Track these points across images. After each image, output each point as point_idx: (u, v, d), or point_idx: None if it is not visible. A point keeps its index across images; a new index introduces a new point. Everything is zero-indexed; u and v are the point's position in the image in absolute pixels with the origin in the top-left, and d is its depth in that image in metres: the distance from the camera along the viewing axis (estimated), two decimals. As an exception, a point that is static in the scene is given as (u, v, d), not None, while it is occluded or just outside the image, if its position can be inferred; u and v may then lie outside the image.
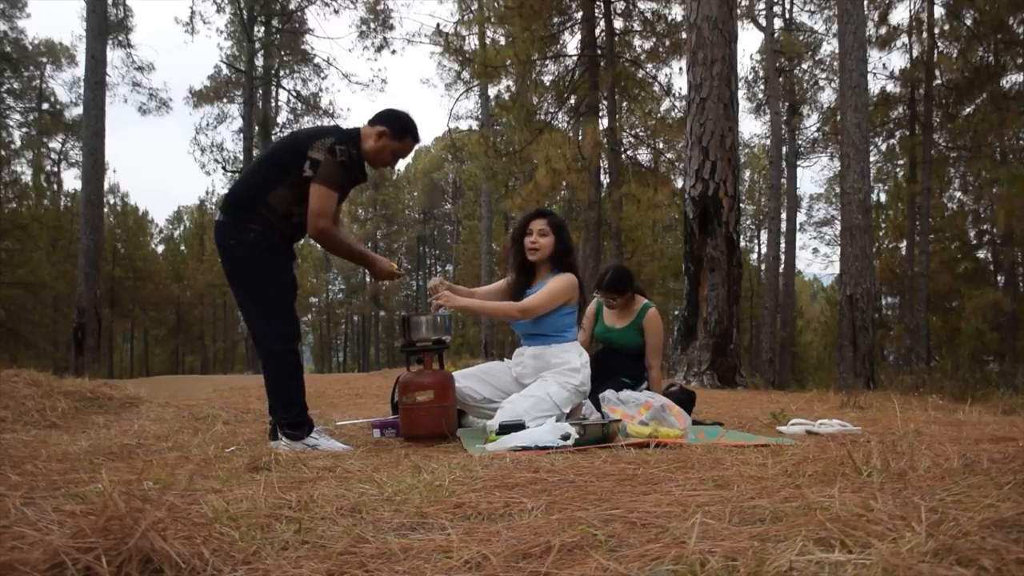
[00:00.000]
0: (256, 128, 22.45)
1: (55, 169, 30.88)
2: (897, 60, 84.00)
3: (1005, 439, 2.61)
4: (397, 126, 2.90)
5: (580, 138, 15.89)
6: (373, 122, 2.91)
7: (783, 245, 22.74)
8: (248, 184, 2.85)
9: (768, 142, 24.51)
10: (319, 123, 23.96)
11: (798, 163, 24.35)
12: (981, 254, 23.06)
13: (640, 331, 3.90)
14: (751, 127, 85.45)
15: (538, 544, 1.20)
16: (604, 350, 3.93)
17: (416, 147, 3.01)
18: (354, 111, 43.53)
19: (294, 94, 24.88)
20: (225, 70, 24.40)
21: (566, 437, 2.55)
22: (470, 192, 35.20)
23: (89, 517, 1.13)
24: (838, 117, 14.18)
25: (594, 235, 15.53)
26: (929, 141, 18.85)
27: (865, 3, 14.39)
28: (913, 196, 19.60)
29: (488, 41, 17.75)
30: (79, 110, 24.56)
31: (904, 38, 19.60)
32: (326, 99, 25.21)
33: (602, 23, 15.96)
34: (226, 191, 3.01)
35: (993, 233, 21.65)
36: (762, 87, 24.13)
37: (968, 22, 17.70)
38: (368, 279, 44.25)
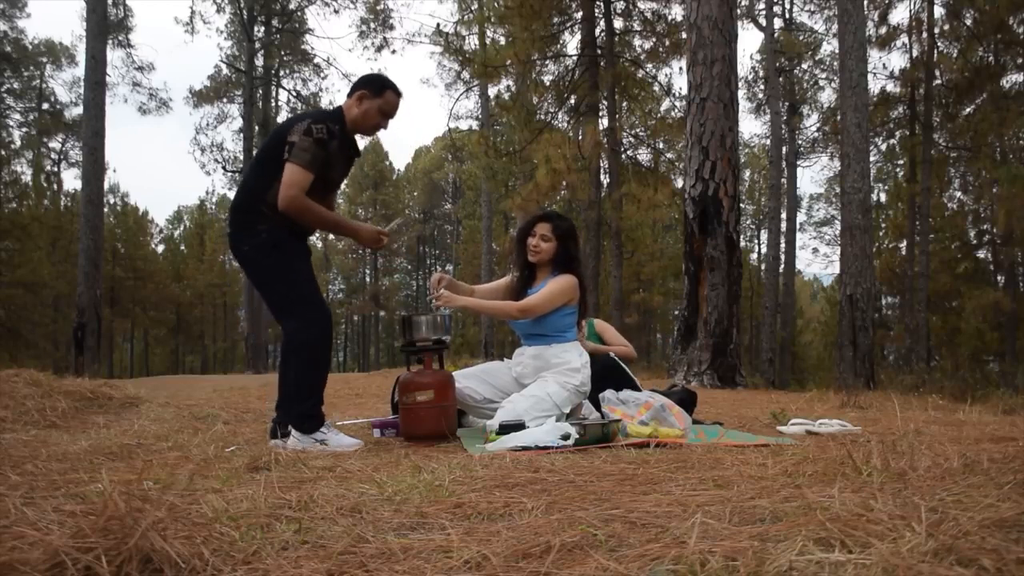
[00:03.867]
0: (256, 128, 22.42)
1: (55, 169, 30.89)
2: (897, 60, 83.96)
3: (1005, 439, 2.61)
4: (373, 85, 2.90)
5: (580, 138, 15.88)
6: (350, 93, 2.93)
7: (783, 245, 22.72)
8: (246, 188, 2.86)
9: (768, 142, 24.50)
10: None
11: (798, 163, 24.34)
12: (981, 254, 23.06)
13: (593, 334, 4.03)
14: (751, 127, 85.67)
15: (538, 544, 1.19)
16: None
17: (401, 102, 2.95)
18: (354, 111, 43.35)
19: (294, 94, 24.87)
20: (225, 70, 24.39)
21: (566, 437, 2.55)
22: (470, 192, 35.20)
23: (89, 517, 1.13)
24: (838, 117, 14.19)
25: (594, 235, 15.52)
26: (929, 141, 18.85)
27: (865, 3, 14.39)
28: (913, 196, 19.61)
29: (488, 41, 17.74)
30: (79, 110, 24.59)
31: (904, 38, 19.63)
32: (326, 99, 25.16)
33: (602, 23, 15.96)
34: (232, 201, 3.03)
35: (993, 233, 21.65)
36: (762, 87, 24.11)
37: (968, 22, 17.70)
38: (368, 279, 44.28)
